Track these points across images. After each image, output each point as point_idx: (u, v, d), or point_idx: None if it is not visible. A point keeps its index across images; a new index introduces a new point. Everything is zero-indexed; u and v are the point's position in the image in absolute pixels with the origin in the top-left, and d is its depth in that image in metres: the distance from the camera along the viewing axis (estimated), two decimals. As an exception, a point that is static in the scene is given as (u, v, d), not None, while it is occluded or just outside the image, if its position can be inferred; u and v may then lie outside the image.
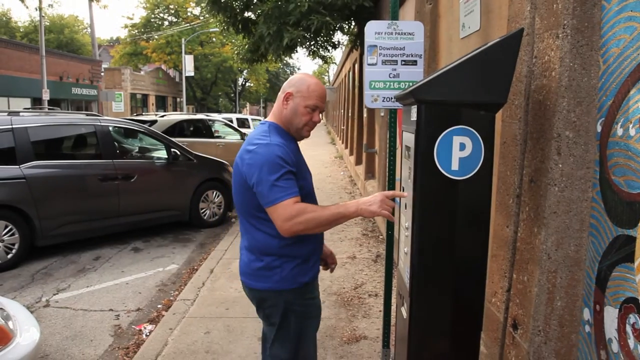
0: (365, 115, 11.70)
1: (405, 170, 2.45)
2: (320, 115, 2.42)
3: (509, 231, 2.63)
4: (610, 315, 2.05)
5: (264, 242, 2.30)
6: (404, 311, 2.39)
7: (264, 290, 2.35)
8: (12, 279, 5.96)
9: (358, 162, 13.47)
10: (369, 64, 3.40)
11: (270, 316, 2.40)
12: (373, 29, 3.36)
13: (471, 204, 2.16)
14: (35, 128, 6.70)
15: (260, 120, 25.44)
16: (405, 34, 3.36)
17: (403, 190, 2.49)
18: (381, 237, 7.40)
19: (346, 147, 18.35)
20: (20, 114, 7.04)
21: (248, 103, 67.64)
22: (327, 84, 49.02)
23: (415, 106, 2.16)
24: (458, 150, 2.11)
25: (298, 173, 2.26)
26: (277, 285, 2.31)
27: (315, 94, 2.32)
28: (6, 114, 6.88)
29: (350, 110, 16.92)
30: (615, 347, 2.01)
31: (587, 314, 2.24)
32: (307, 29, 7.85)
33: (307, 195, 2.34)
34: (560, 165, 2.23)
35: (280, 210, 2.13)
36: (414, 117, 2.19)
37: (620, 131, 2.01)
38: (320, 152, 21.82)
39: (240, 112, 53.95)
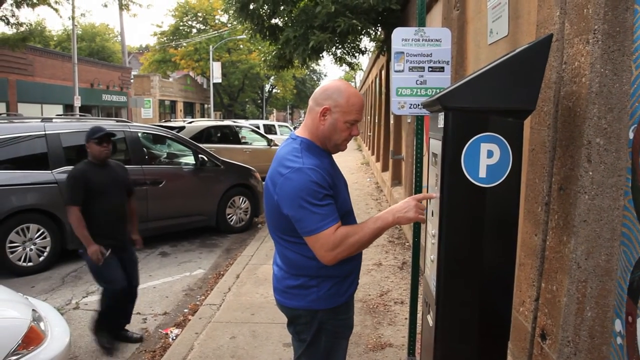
0: (392, 121, 11.66)
1: (432, 177, 2.43)
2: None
3: (538, 239, 2.59)
4: (643, 326, 2.00)
5: (300, 263, 2.19)
6: (430, 319, 2.37)
7: (298, 309, 2.25)
8: (43, 281, 6.09)
9: (384, 168, 13.43)
10: (395, 71, 3.39)
11: (301, 333, 2.30)
12: (400, 35, 3.36)
13: (499, 211, 2.14)
14: (67, 134, 6.85)
15: (286, 126, 25.58)
16: (432, 40, 3.35)
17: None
18: (407, 244, 7.35)
19: (372, 154, 18.31)
20: (53, 120, 7.21)
21: (275, 109, 68.05)
22: (354, 90, 48.88)
23: (443, 113, 2.15)
24: (485, 157, 2.08)
25: (335, 193, 2.15)
26: (312, 304, 2.21)
27: (355, 107, 2.16)
28: (39, 120, 7.06)
29: (377, 117, 16.90)
30: (648, 359, 1.96)
31: (618, 326, 2.19)
32: (333, 31, 7.86)
33: (347, 213, 2.24)
34: (591, 173, 2.19)
35: (323, 241, 2.03)
36: (441, 124, 2.18)
37: (653, 138, 1.97)
38: (347, 159, 21.81)
39: (267, 118, 54.31)
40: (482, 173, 2.09)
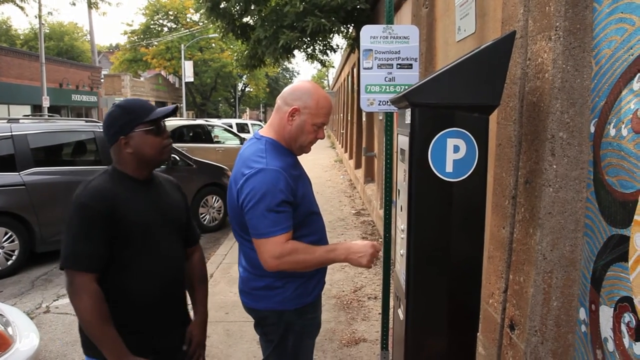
0: (364, 119, 11.73)
1: (400, 173, 2.46)
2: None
3: (505, 232, 2.64)
4: (606, 314, 2.06)
5: None
6: (401, 313, 2.40)
7: (264, 310, 2.25)
8: (12, 286, 5.96)
9: (357, 165, 13.50)
10: (364, 68, 3.42)
11: (269, 334, 2.29)
12: (368, 33, 3.39)
13: (466, 205, 2.17)
14: (34, 135, 6.73)
15: (259, 125, 25.49)
16: (400, 37, 3.38)
17: (398, 193, 2.50)
18: (381, 240, 7.40)
19: (346, 151, 18.38)
20: (20, 121, 7.08)
21: (248, 108, 67.74)
22: (327, 88, 49.14)
23: (409, 109, 2.18)
24: (452, 152, 2.12)
25: (297, 197, 2.11)
26: (278, 305, 2.20)
27: (324, 110, 2.16)
28: (6, 121, 6.92)
29: (349, 114, 16.96)
30: (610, 346, 2.02)
31: (583, 314, 2.25)
32: (303, 31, 7.87)
33: (313, 214, 2.24)
34: (555, 166, 2.25)
35: (270, 246, 2.00)
36: (408, 120, 2.21)
37: (613, 131, 2.02)
38: (320, 156, 21.83)
39: (240, 117, 54.03)
40: (449, 168, 2.13)
